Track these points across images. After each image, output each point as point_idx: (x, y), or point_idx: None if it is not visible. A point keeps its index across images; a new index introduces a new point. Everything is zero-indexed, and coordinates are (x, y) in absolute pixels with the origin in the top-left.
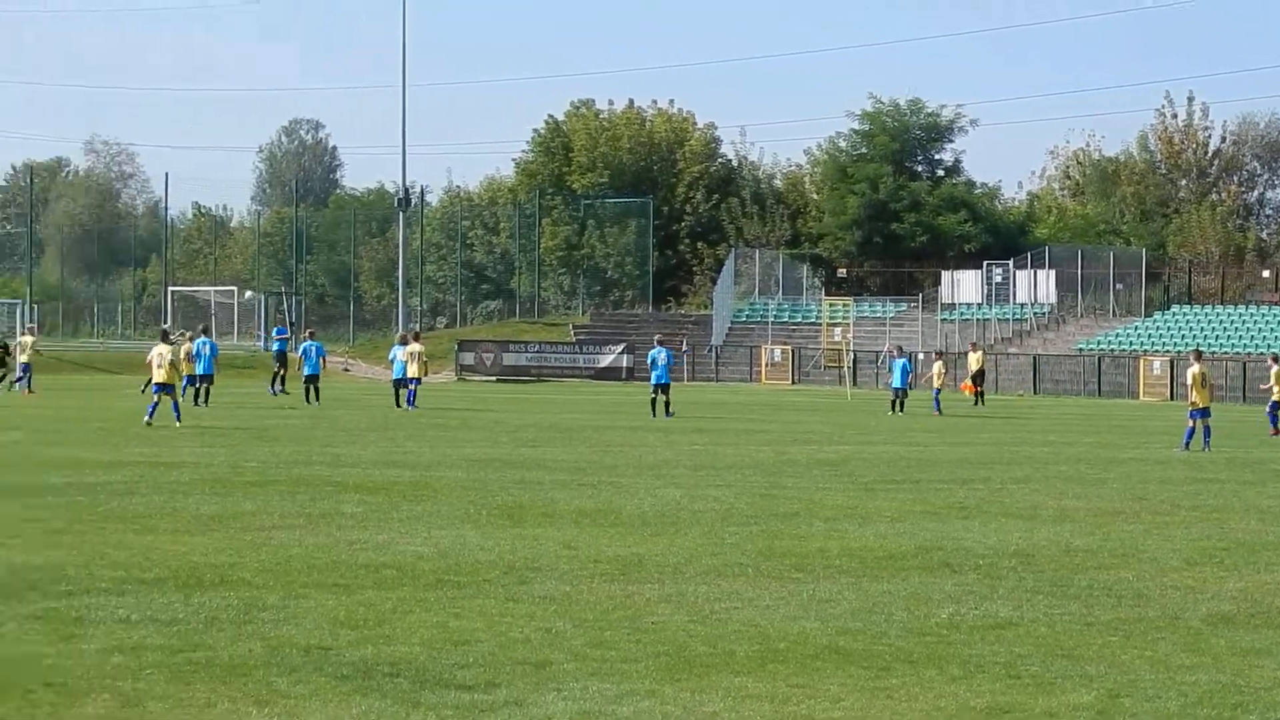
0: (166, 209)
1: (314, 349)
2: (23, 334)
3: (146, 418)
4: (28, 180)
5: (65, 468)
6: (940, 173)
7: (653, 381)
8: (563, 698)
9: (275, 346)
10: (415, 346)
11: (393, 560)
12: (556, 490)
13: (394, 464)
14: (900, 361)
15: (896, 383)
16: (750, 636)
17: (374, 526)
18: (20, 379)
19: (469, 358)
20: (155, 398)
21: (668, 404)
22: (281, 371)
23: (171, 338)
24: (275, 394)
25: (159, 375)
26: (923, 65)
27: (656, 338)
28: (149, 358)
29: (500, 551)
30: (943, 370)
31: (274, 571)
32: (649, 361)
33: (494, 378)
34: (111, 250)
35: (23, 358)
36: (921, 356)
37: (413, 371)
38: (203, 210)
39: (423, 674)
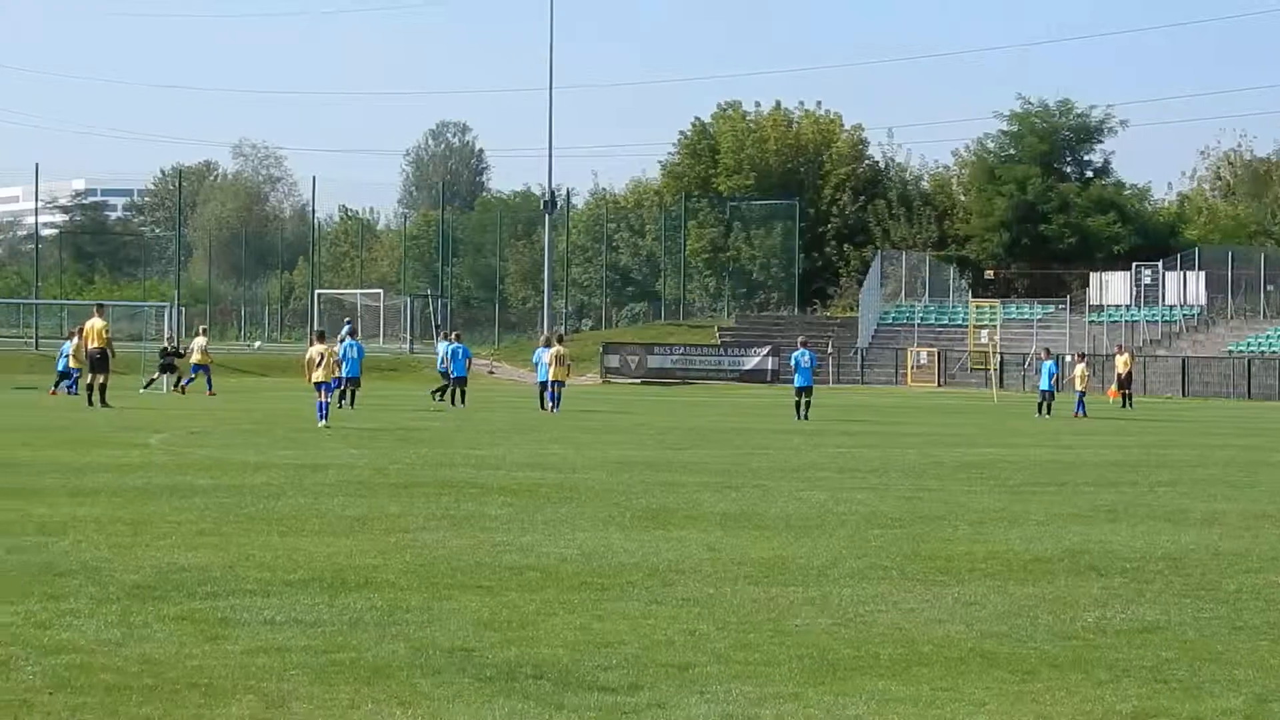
0: (314, 212)
1: (460, 351)
2: (196, 335)
3: (320, 421)
4: (177, 184)
5: (212, 470)
6: (1089, 174)
7: (795, 384)
8: (705, 700)
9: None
10: (558, 349)
11: (536, 562)
12: (701, 493)
13: (538, 466)
14: (1047, 364)
15: (1044, 385)
16: (894, 640)
17: (518, 529)
18: (191, 380)
19: (614, 360)
20: (319, 396)
21: (808, 406)
22: (447, 386)
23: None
24: (437, 400)
25: (319, 375)
26: (1072, 66)
27: (800, 339)
28: (309, 356)
29: (644, 554)
30: (1086, 373)
31: (418, 573)
32: (791, 363)
33: (639, 380)
34: (259, 253)
35: (195, 358)
36: (1069, 359)
37: (553, 374)
38: (349, 213)
39: (566, 676)
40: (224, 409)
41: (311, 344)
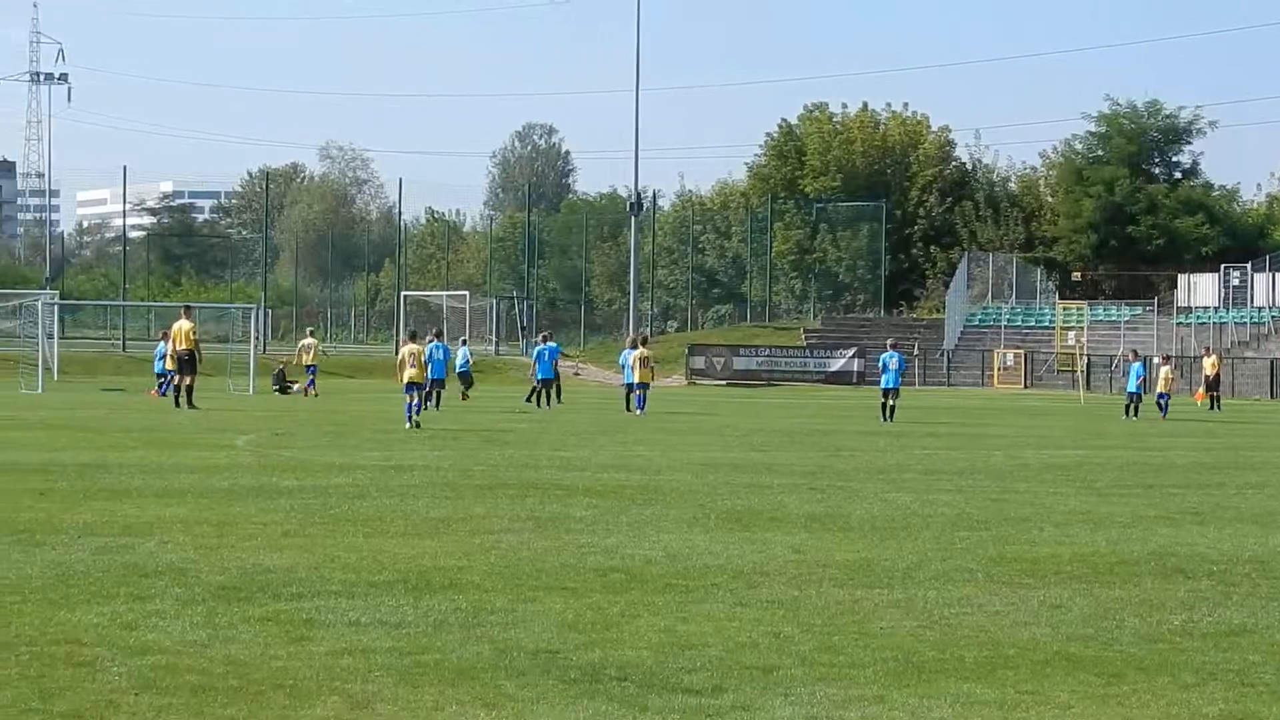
0: (400, 214)
1: (547, 352)
2: (305, 338)
3: (407, 423)
4: (264, 186)
5: (297, 471)
6: (1177, 175)
7: (882, 385)
8: (790, 702)
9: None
10: (642, 351)
11: (621, 564)
12: (785, 495)
13: (623, 468)
14: (1135, 365)
15: (1131, 387)
16: (979, 642)
17: (602, 530)
18: (310, 382)
19: (699, 362)
20: (408, 397)
21: (893, 409)
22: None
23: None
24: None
25: (410, 374)
26: (1160, 67)
27: (889, 341)
28: (400, 357)
29: (728, 556)
30: (1170, 375)
31: (502, 575)
32: (880, 365)
33: (724, 382)
34: (345, 255)
35: (307, 359)
36: (1157, 360)
37: (638, 376)
38: (436, 215)
39: (650, 678)
40: (310, 410)
41: (403, 344)
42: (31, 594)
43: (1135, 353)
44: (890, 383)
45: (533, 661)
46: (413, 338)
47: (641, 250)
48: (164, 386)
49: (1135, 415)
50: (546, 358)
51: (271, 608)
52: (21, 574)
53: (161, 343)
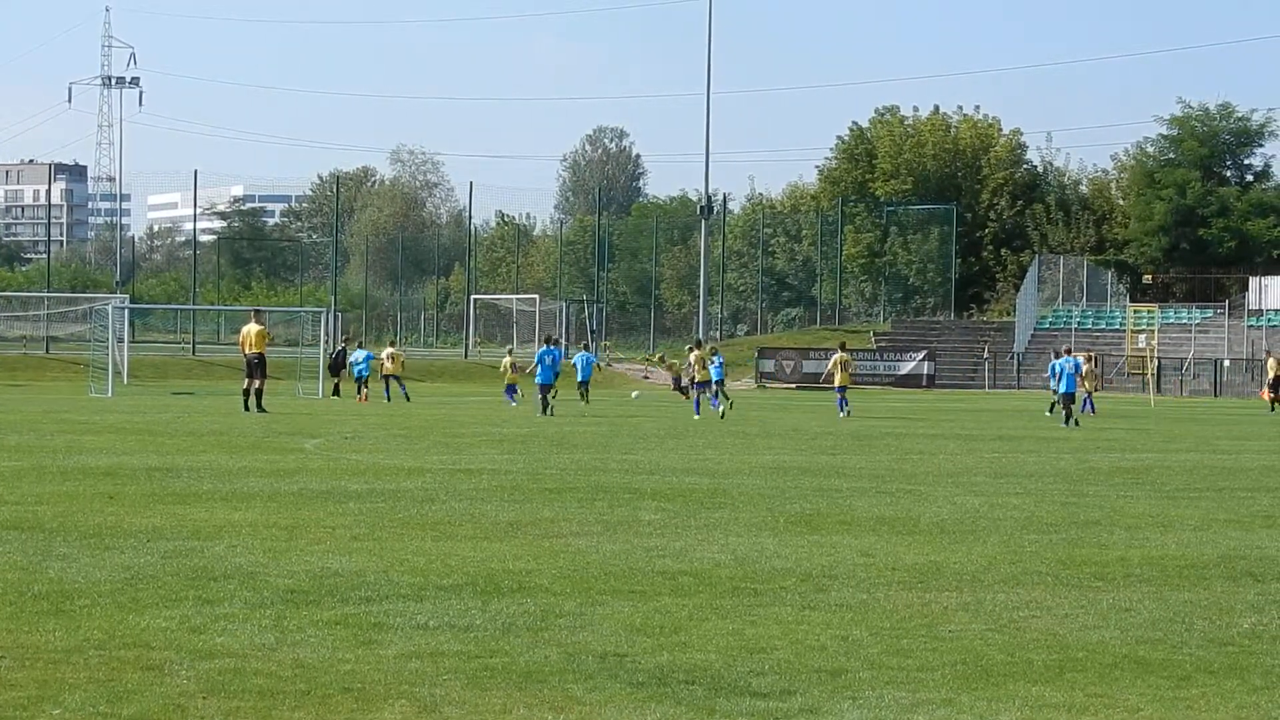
0: (470, 218)
1: (549, 357)
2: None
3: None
4: (334, 190)
5: (366, 474)
6: (1249, 178)
7: (1062, 390)
8: (858, 706)
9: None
10: (844, 355)
11: (689, 567)
12: (855, 498)
13: (692, 471)
14: (1057, 364)
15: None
16: (1048, 645)
17: (671, 534)
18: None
19: (769, 365)
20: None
21: (1067, 414)
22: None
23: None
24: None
25: (839, 379)
26: (1232, 70)
27: (1064, 347)
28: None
29: (797, 559)
30: (1092, 370)
31: (571, 578)
32: (1051, 371)
33: (794, 385)
34: (415, 259)
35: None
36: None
37: (836, 380)
38: (506, 219)
39: (718, 681)
40: (379, 414)
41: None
42: (100, 598)
43: (1056, 352)
44: (1066, 387)
45: (601, 665)
46: (587, 344)
47: (712, 253)
48: (386, 391)
49: (1051, 413)
50: (549, 363)
51: (340, 611)
52: (90, 578)
53: (360, 349)
